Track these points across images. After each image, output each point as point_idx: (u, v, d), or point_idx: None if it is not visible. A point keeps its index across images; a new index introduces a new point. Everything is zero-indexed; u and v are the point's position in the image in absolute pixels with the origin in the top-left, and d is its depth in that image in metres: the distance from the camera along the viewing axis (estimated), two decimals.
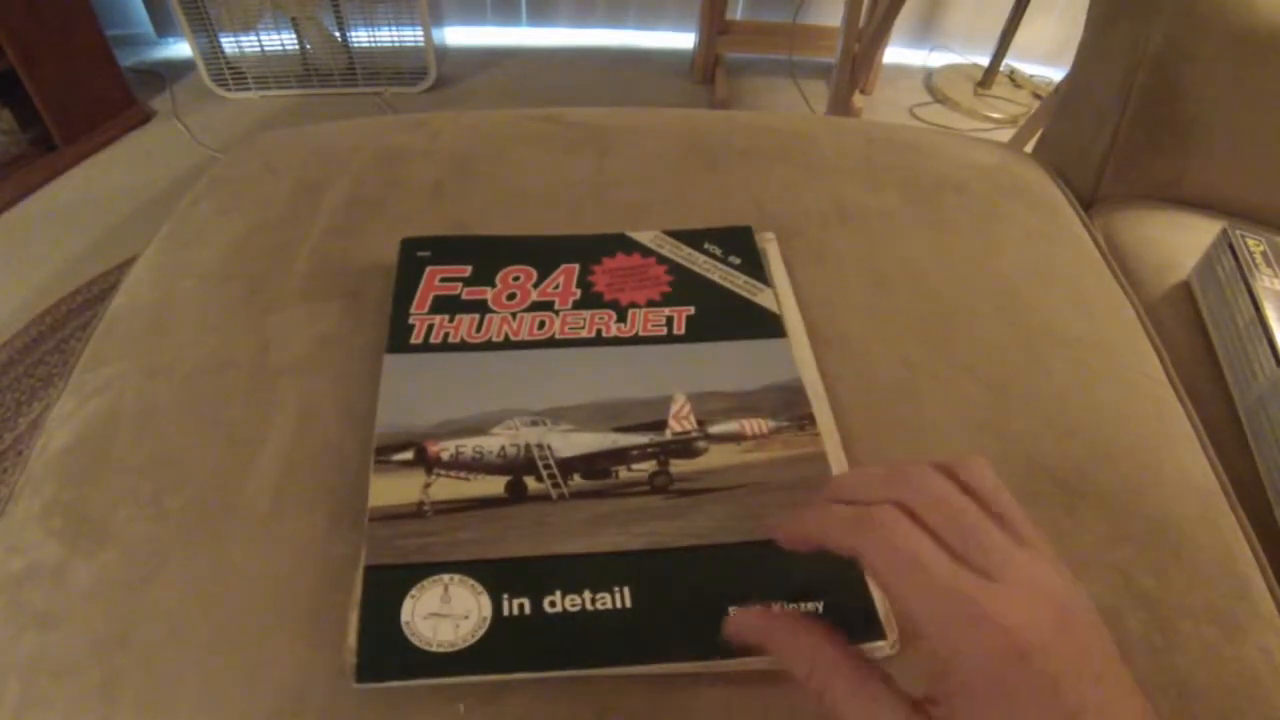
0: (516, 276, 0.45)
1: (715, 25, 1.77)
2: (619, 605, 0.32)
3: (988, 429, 0.41)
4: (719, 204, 0.53)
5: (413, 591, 0.32)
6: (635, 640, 0.31)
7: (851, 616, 0.30)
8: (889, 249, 0.51)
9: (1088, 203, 0.66)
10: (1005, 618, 0.21)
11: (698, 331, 0.43)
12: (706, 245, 0.48)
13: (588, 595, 0.32)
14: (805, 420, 0.39)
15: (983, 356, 0.45)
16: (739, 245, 0.48)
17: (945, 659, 0.21)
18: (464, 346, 0.41)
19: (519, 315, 0.43)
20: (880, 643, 0.31)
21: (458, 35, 1.94)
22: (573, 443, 0.37)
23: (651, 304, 0.44)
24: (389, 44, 1.71)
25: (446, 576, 0.32)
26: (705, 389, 0.40)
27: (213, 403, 0.40)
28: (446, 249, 0.46)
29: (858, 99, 1.72)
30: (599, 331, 0.42)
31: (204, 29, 1.61)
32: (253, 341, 0.43)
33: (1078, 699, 0.20)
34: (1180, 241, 0.59)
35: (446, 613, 0.31)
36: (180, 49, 1.80)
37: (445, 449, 0.37)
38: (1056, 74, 1.88)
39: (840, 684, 0.23)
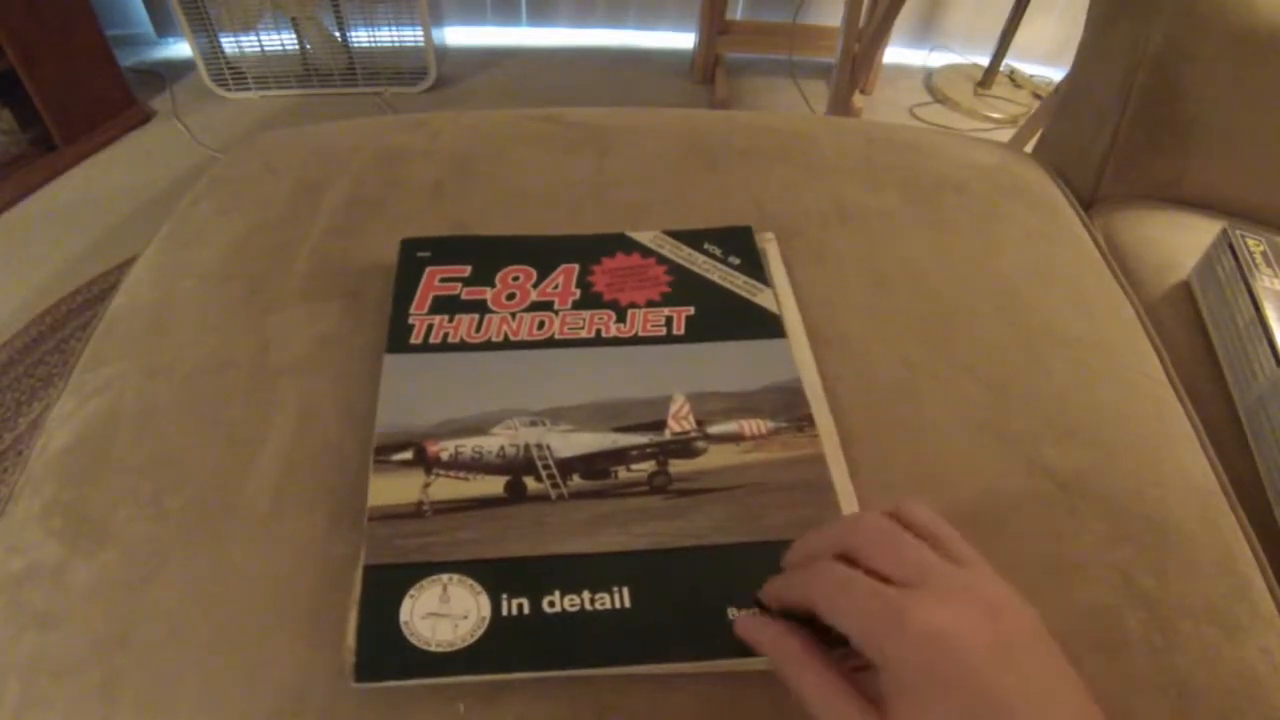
0: (516, 276, 0.45)
1: (715, 25, 1.77)
2: (618, 605, 0.32)
3: (988, 429, 0.41)
4: (719, 204, 0.53)
5: (412, 591, 0.32)
6: (634, 640, 0.31)
7: None
8: (889, 249, 0.51)
9: (1088, 203, 0.66)
10: (920, 614, 0.23)
11: (697, 332, 0.43)
12: (706, 245, 0.48)
13: (587, 595, 0.32)
14: (804, 421, 0.39)
15: (983, 356, 0.45)
16: (739, 245, 0.48)
17: (880, 665, 0.23)
18: (463, 346, 0.41)
19: (518, 315, 0.43)
20: None
21: (458, 35, 1.94)
22: (572, 443, 0.37)
23: (651, 304, 0.44)
24: (389, 44, 1.71)
25: (445, 576, 0.32)
26: (704, 389, 0.40)
27: (213, 403, 0.40)
28: (446, 249, 0.46)
29: (858, 99, 1.72)
30: (598, 331, 0.42)
31: (204, 29, 1.61)
32: (253, 341, 0.43)
33: (1000, 684, 0.22)
34: (1180, 241, 0.59)
35: (445, 612, 0.31)
36: (180, 49, 1.80)
37: (445, 449, 0.37)
38: (1056, 74, 1.88)
39: (808, 678, 0.25)
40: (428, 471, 0.36)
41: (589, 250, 0.47)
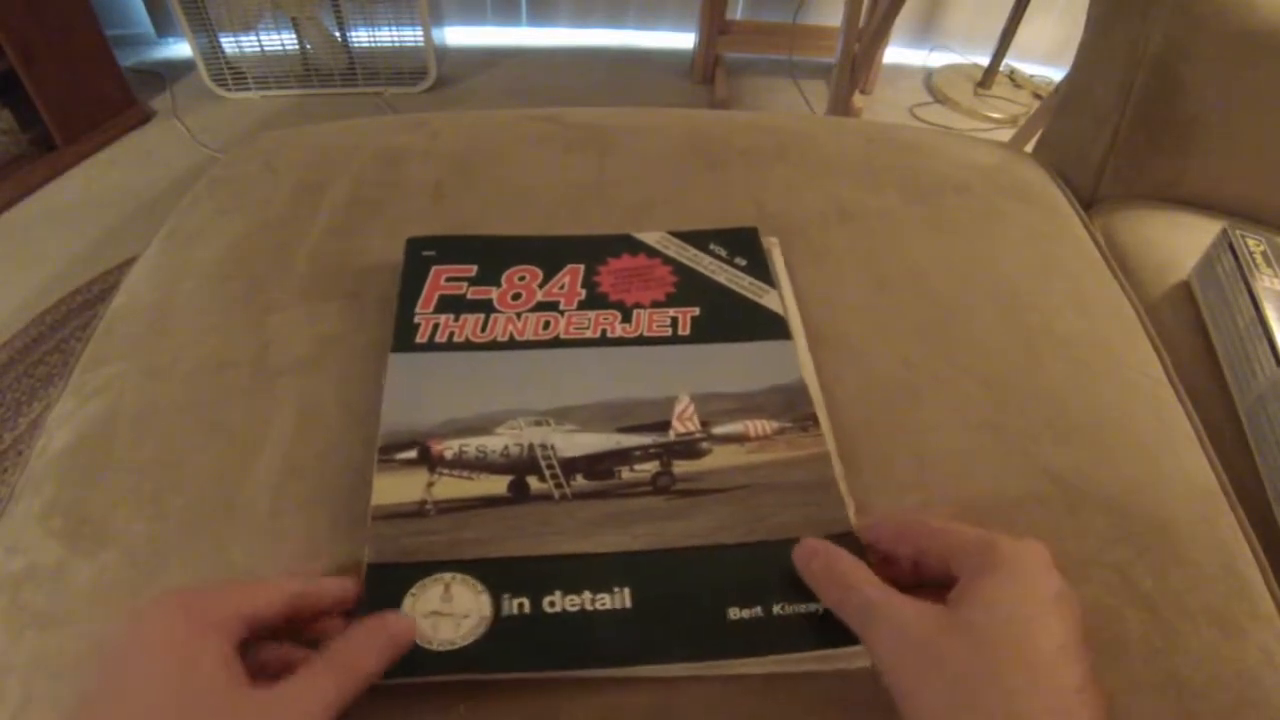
0: (522, 276, 0.45)
1: (715, 25, 1.77)
2: (619, 606, 0.32)
3: (988, 429, 0.41)
4: (719, 204, 0.53)
5: (413, 590, 0.32)
6: (636, 641, 0.31)
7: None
8: (889, 249, 0.51)
9: (1088, 203, 0.66)
10: (1033, 546, 0.28)
11: (702, 332, 0.43)
12: (712, 246, 0.48)
13: (588, 595, 0.32)
14: (809, 421, 0.39)
15: (983, 356, 0.45)
16: (745, 246, 0.48)
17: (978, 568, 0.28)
18: (469, 346, 0.41)
19: (524, 315, 0.43)
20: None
21: (458, 35, 1.94)
22: (576, 443, 0.37)
23: (656, 305, 0.44)
24: (389, 44, 1.71)
25: (448, 575, 0.32)
26: (709, 390, 0.40)
27: (213, 403, 0.40)
28: (452, 248, 0.46)
29: (858, 99, 1.72)
30: (604, 332, 0.42)
31: (204, 29, 1.61)
32: (253, 341, 0.43)
33: (976, 686, 0.24)
34: (1180, 241, 0.60)
35: (447, 611, 0.31)
36: (180, 49, 1.80)
37: (449, 448, 0.37)
38: (1056, 74, 1.88)
39: (862, 586, 0.29)
40: (431, 470, 0.36)
41: (595, 251, 0.47)
